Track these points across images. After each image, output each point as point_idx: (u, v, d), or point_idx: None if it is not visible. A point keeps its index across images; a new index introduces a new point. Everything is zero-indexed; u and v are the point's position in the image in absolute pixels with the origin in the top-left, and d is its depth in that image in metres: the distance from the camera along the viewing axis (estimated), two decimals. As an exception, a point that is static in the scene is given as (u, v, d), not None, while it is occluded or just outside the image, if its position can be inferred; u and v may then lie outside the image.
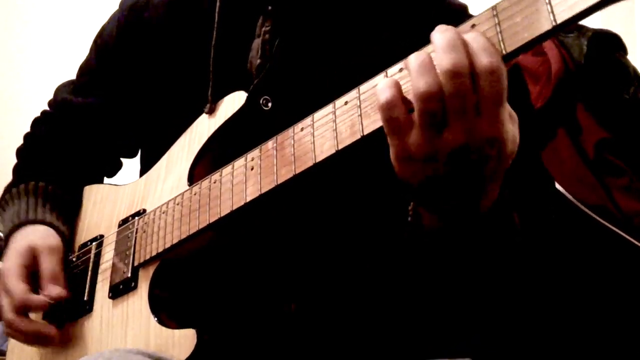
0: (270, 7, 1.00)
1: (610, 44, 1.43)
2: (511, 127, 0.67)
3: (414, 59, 0.65)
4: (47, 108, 1.27)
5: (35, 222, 1.11)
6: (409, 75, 0.66)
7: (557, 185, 1.37)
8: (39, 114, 1.28)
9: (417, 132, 0.66)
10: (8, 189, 1.20)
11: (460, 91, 0.62)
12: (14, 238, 1.10)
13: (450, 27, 0.66)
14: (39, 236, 1.09)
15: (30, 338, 1.04)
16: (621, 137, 1.42)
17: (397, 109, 0.66)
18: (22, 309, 1.02)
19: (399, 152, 0.68)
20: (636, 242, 1.36)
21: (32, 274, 1.05)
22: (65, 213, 1.17)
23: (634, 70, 1.44)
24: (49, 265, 1.05)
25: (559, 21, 0.58)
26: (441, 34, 0.65)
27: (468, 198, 0.71)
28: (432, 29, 0.67)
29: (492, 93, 0.63)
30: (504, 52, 0.63)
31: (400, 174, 0.71)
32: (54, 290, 1.03)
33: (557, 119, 1.43)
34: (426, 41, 0.69)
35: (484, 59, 0.62)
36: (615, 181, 1.41)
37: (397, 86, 0.67)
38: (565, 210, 1.37)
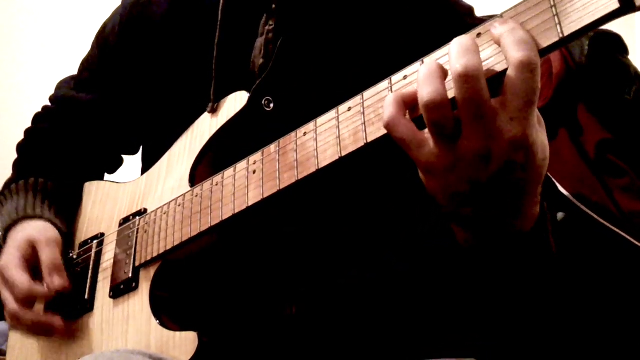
0: (274, 6, 0.99)
1: (611, 45, 1.43)
2: (540, 133, 0.61)
3: (422, 68, 0.62)
4: (48, 103, 1.27)
5: (33, 217, 1.11)
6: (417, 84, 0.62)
7: (558, 186, 1.37)
8: (40, 109, 1.27)
9: (431, 144, 0.62)
10: (7, 185, 1.20)
11: (473, 96, 0.58)
12: (12, 234, 1.10)
13: (469, 33, 0.63)
14: (36, 230, 1.08)
15: (36, 329, 1.02)
16: (622, 137, 1.42)
17: (401, 127, 0.63)
18: (26, 300, 1.01)
19: (419, 166, 0.64)
20: (636, 242, 1.36)
21: (32, 268, 1.04)
22: (65, 209, 1.17)
23: (635, 70, 1.44)
24: (49, 256, 1.04)
25: (566, 33, 0.57)
26: (457, 40, 0.61)
27: (499, 214, 0.64)
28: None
29: (524, 90, 0.57)
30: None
31: (427, 188, 0.66)
32: (56, 280, 1.02)
33: (558, 119, 1.43)
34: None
35: (516, 53, 0.57)
36: (616, 181, 1.41)
37: (399, 103, 0.64)
38: (565, 211, 1.37)
